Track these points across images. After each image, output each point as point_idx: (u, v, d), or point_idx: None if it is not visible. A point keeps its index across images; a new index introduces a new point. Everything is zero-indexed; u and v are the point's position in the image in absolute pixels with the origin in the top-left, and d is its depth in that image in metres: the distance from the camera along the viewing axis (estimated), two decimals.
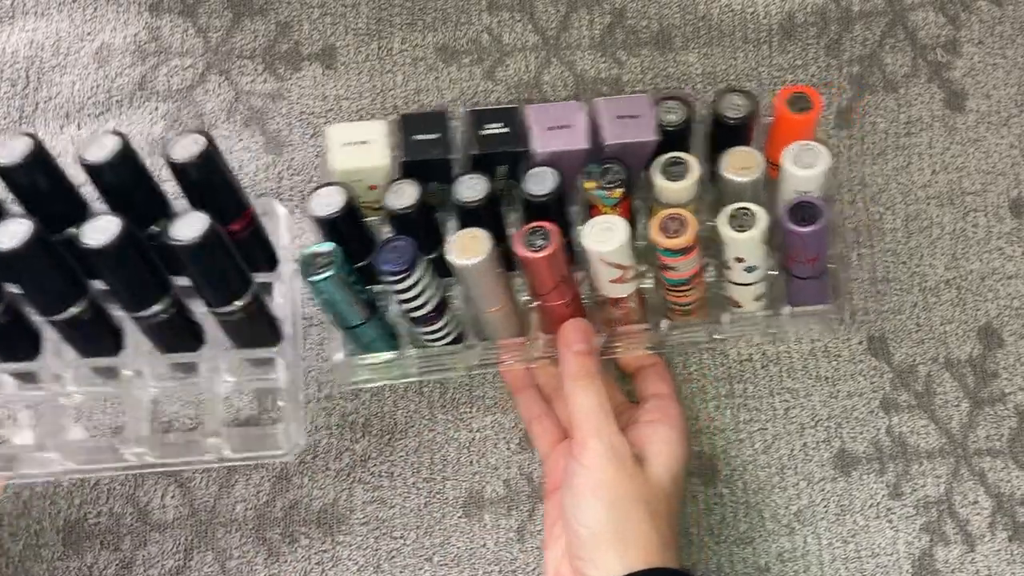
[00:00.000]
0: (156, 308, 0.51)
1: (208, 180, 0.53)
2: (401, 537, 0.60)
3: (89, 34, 0.70)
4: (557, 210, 0.56)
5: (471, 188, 0.55)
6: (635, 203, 0.59)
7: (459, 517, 0.61)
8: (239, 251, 0.52)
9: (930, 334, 0.65)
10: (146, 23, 0.70)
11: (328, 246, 0.52)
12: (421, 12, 0.71)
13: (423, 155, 0.56)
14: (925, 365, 0.64)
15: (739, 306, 0.60)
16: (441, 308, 0.56)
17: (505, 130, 0.56)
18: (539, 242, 0.52)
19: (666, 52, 0.70)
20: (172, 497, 0.61)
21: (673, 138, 0.57)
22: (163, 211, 0.54)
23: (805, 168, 0.55)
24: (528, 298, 0.58)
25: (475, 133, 0.56)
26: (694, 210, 0.57)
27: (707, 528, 0.61)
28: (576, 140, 0.56)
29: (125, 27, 0.70)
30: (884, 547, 0.61)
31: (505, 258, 0.55)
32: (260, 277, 0.55)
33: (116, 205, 0.52)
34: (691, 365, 0.64)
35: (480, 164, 0.56)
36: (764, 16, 0.71)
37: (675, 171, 0.55)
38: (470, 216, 0.55)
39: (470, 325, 0.59)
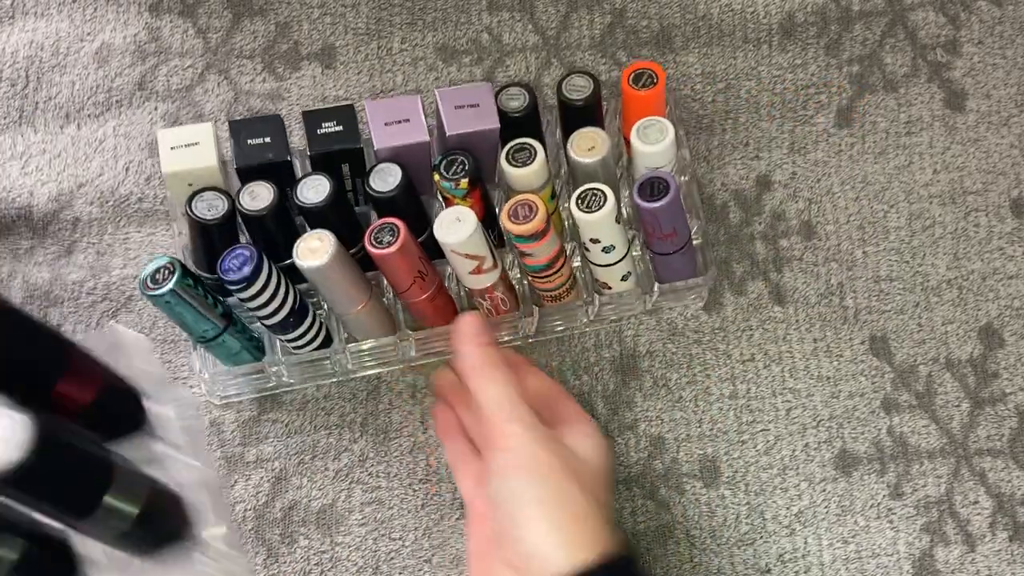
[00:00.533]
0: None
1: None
2: (400, 538, 0.60)
3: (89, 34, 0.70)
4: (408, 205, 0.55)
5: (313, 190, 0.54)
6: (497, 193, 0.59)
7: (457, 519, 0.61)
8: (81, 440, 0.35)
9: (931, 334, 0.65)
10: (146, 23, 0.70)
11: (163, 260, 0.51)
12: (421, 12, 0.71)
13: (256, 159, 0.55)
14: (926, 365, 0.64)
15: (609, 287, 0.60)
16: (302, 313, 0.55)
17: (339, 128, 0.56)
18: (387, 238, 0.52)
19: (666, 52, 0.70)
20: None
21: (519, 124, 0.57)
22: None
23: (651, 144, 0.56)
24: (392, 296, 0.58)
25: (312, 133, 0.56)
26: (549, 195, 0.57)
27: (708, 530, 0.61)
28: (415, 134, 0.56)
29: (125, 27, 0.70)
30: (885, 547, 0.60)
31: (368, 257, 0.54)
32: (129, 450, 0.38)
33: None
34: (695, 367, 0.64)
35: (320, 165, 0.56)
36: (764, 16, 0.71)
37: (520, 157, 0.56)
38: (316, 218, 0.54)
39: (339, 329, 0.58)
